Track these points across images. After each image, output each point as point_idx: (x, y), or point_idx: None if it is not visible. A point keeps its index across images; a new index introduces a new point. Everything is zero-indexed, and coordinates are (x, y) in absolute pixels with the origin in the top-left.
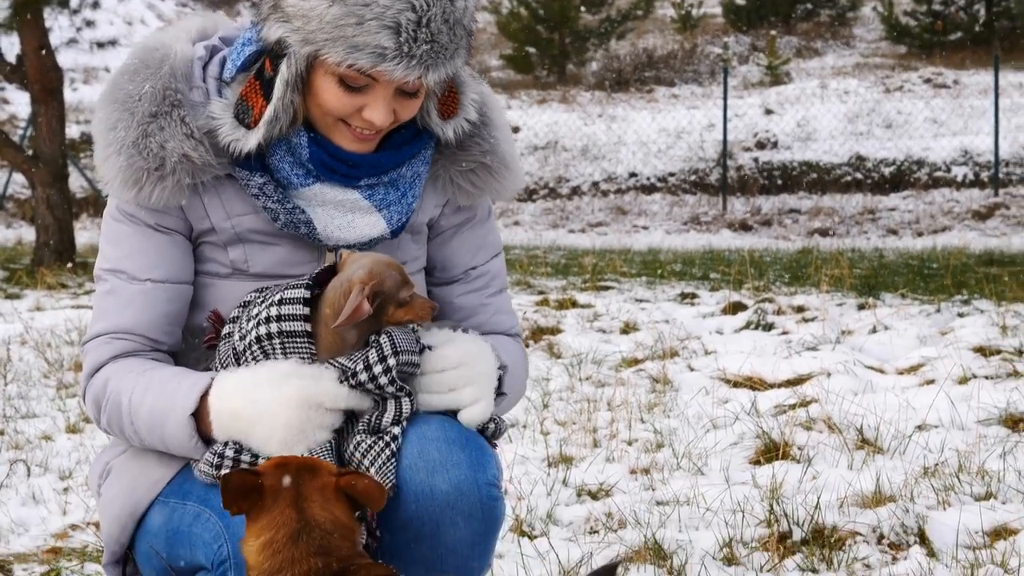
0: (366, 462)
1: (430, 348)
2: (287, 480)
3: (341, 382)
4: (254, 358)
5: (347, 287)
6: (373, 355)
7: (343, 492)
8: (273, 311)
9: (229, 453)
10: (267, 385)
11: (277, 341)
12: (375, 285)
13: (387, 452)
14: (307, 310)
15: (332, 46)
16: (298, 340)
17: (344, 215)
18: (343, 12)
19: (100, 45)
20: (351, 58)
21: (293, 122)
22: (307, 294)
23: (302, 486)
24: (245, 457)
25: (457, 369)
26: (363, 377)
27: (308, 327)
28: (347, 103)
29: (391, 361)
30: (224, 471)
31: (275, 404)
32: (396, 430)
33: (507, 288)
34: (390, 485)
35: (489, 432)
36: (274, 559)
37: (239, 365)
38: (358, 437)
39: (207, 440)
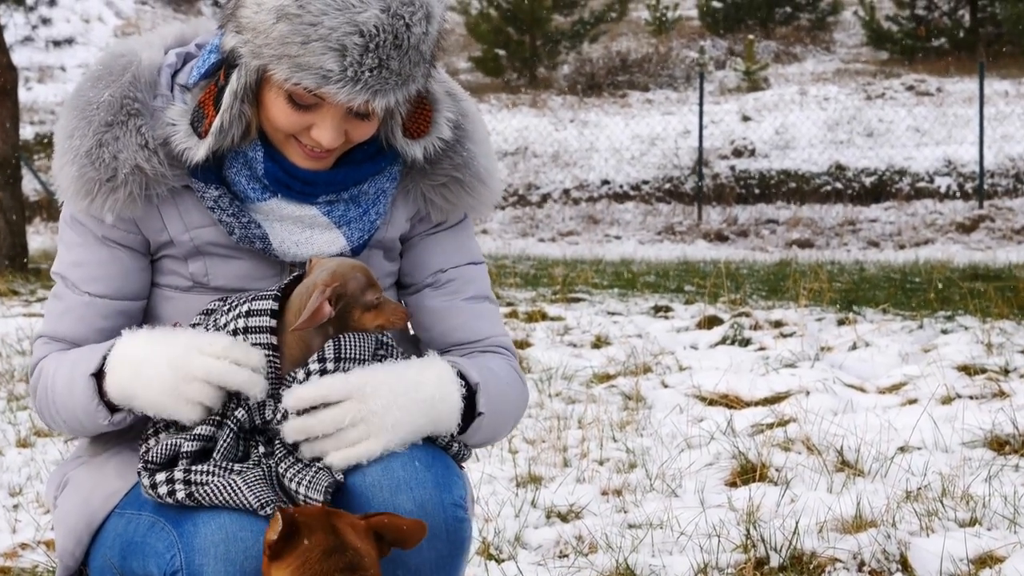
0: (293, 485)
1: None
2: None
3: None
4: None
5: (310, 290)
6: (313, 358)
7: (373, 531)
8: (240, 323)
9: (178, 475)
10: (163, 339)
11: None
12: (338, 287)
13: (319, 473)
14: (274, 322)
15: (278, 63)
16: (265, 354)
17: (302, 231)
18: (289, 30)
19: (56, 43)
20: (296, 77)
21: (246, 134)
22: (275, 306)
23: (334, 521)
24: (192, 476)
25: (340, 405)
26: (300, 376)
27: (274, 340)
28: (295, 120)
29: (329, 366)
30: (180, 494)
31: (161, 355)
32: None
33: (491, 300)
34: (321, 503)
35: (452, 452)
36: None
37: None
38: (288, 460)
39: (111, 407)
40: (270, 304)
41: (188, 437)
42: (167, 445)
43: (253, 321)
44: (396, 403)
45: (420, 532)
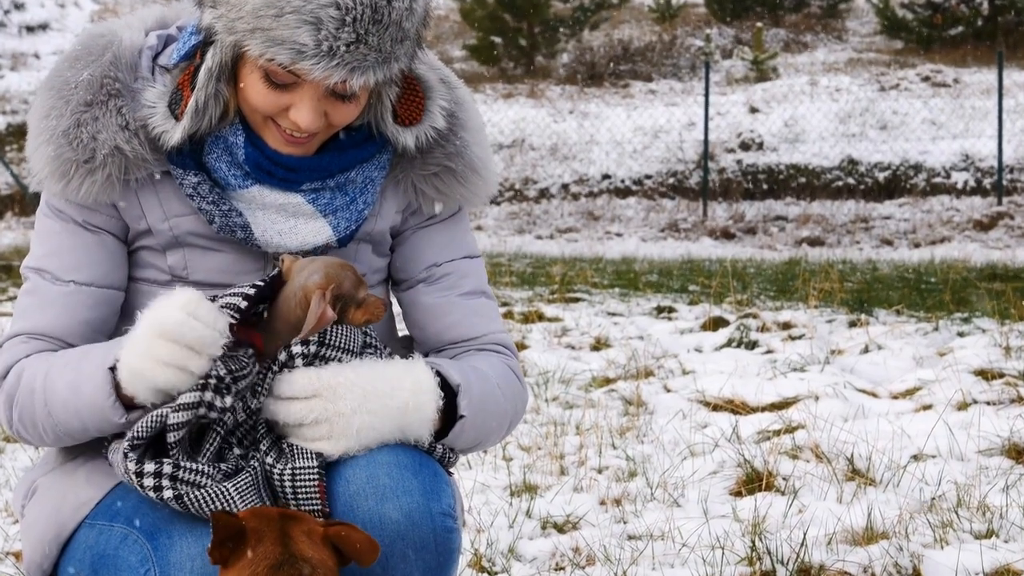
0: (279, 466)
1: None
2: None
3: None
4: None
5: (301, 296)
6: (296, 339)
7: (331, 542)
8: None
9: (167, 470)
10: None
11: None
12: (335, 289)
13: (313, 477)
14: (248, 300)
15: (252, 37)
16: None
17: (286, 220)
18: (263, 2)
19: (30, 29)
20: (271, 52)
21: (224, 116)
22: (251, 292)
23: (287, 528)
24: (182, 474)
25: (307, 401)
26: (282, 357)
27: (243, 304)
28: (272, 101)
29: (312, 348)
30: (167, 492)
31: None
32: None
33: (488, 296)
34: (317, 511)
35: (437, 455)
36: None
37: None
38: (274, 452)
39: (127, 404)
40: (247, 289)
41: (174, 407)
42: (154, 417)
43: (227, 299)
44: (366, 407)
45: (372, 553)
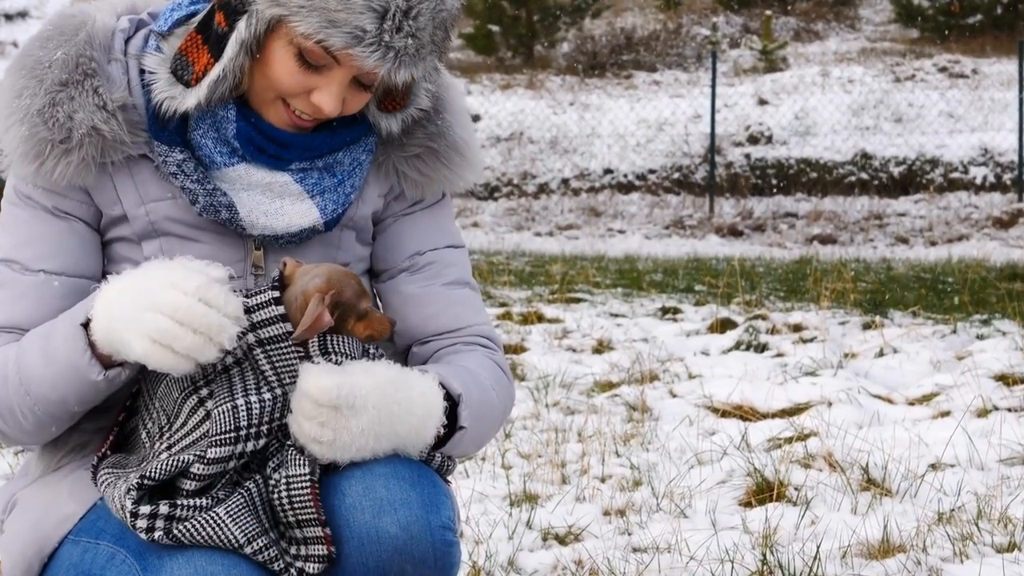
0: (283, 495)
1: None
2: None
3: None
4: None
5: (301, 300)
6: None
7: None
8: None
9: (163, 510)
10: (144, 270)
11: (259, 351)
12: (335, 295)
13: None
14: (281, 309)
15: (306, 15)
16: (282, 345)
17: (272, 200)
18: None
19: (8, 17)
20: (324, 33)
21: (235, 87)
22: (276, 294)
23: None
24: (178, 512)
25: (323, 409)
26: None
27: (289, 327)
28: (299, 81)
29: (314, 355)
30: (158, 532)
31: (135, 284)
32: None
33: (472, 287)
34: (313, 519)
35: (435, 464)
36: None
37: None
38: (275, 462)
39: (105, 363)
40: (271, 294)
41: (201, 459)
42: (173, 461)
43: (259, 315)
44: (374, 431)
45: None
